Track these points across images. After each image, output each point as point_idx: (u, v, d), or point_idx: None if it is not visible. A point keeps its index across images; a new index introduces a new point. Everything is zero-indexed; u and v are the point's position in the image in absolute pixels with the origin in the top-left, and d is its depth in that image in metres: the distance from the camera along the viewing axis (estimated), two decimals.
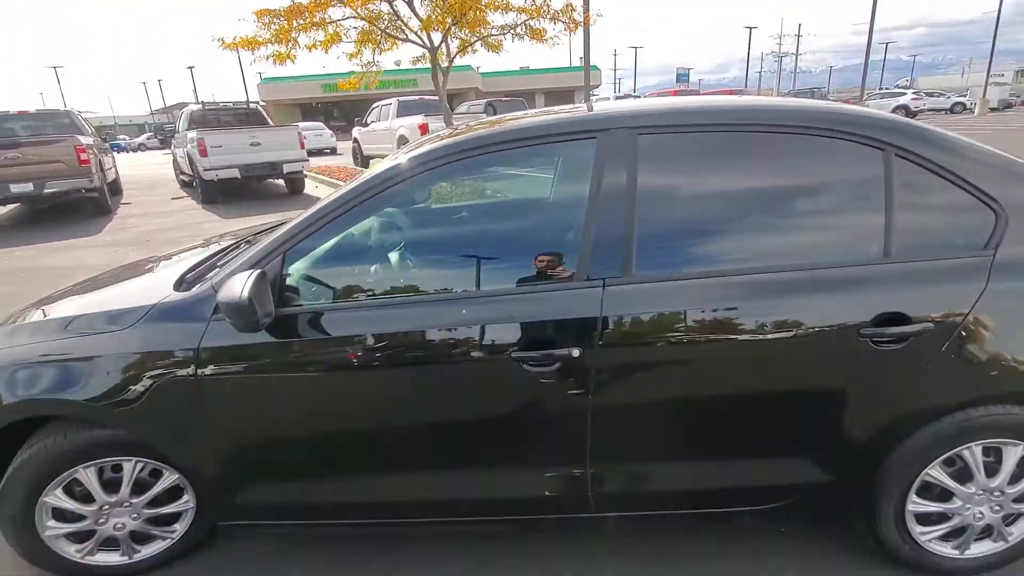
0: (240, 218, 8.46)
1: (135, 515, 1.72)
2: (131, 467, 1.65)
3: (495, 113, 15.92)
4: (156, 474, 1.69)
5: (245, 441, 1.60)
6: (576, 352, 1.41)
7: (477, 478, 1.60)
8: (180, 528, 1.79)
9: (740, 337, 1.44)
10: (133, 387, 1.52)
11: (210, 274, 1.85)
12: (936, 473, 1.52)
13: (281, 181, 11.34)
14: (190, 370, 1.51)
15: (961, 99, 30.41)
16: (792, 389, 1.48)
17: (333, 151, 23.54)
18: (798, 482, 1.55)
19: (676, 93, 19.63)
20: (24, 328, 1.74)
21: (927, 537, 1.60)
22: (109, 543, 1.74)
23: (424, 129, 12.33)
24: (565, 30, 8.20)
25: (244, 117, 11.27)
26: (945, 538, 1.61)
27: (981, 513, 1.55)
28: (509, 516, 1.65)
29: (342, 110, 43.53)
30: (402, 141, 13.13)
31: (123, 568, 1.77)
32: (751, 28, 47.29)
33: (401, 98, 14.00)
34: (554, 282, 1.49)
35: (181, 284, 1.74)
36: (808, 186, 1.54)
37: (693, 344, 1.44)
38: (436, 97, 14.98)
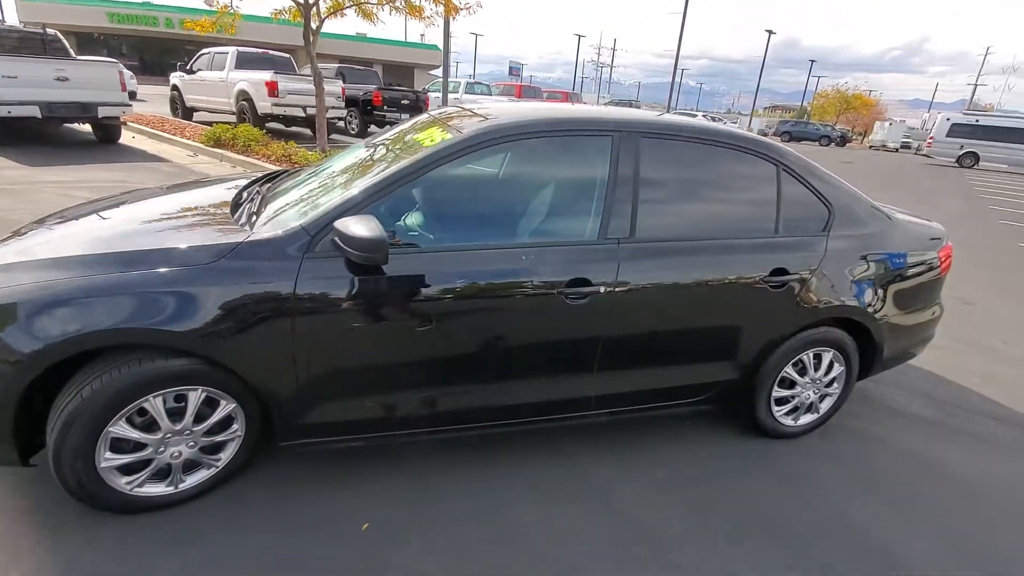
0: (49, 167, 7.06)
1: (192, 443, 1.80)
2: (196, 396, 1.74)
3: (345, 80, 15.25)
4: (212, 404, 1.80)
5: (326, 365, 1.80)
6: (602, 289, 1.96)
7: (520, 388, 2.05)
8: (225, 456, 1.90)
9: (696, 280, 2.13)
10: (229, 318, 1.64)
11: (246, 216, 1.98)
12: (789, 370, 2.43)
13: (88, 127, 9.56)
14: (286, 302, 1.69)
15: (732, 125, 37.84)
16: (722, 315, 2.24)
17: (133, 95, 19.80)
18: (718, 380, 2.33)
19: (520, 89, 20.86)
20: (76, 260, 1.66)
21: (780, 413, 2.52)
22: (158, 474, 1.79)
23: (273, 87, 11.42)
24: (445, 12, 8.42)
25: (38, 45, 9.17)
26: (787, 413, 2.55)
27: (812, 395, 2.52)
28: (539, 417, 2.14)
29: (133, 47, 36.49)
30: (242, 96, 11.95)
31: (167, 498, 1.82)
32: (580, 36, 51.56)
33: (240, 48, 12.64)
34: (587, 240, 2.01)
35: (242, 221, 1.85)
36: (737, 183, 2.30)
37: (668, 285, 2.10)
38: (281, 53, 13.90)
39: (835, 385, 2.56)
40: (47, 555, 1.64)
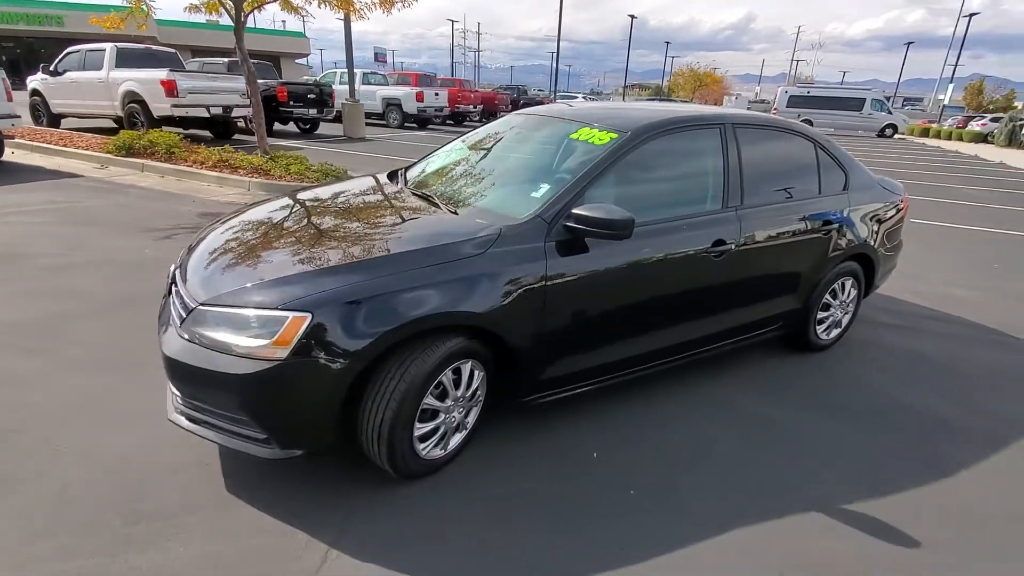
0: None
1: (461, 410, 2.12)
2: (467, 368, 2.07)
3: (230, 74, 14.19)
4: (471, 375, 2.12)
5: (560, 326, 2.19)
6: (733, 247, 2.57)
7: (681, 329, 2.59)
8: (471, 420, 2.23)
9: (783, 233, 2.82)
10: (504, 296, 1.99)
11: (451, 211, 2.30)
12: (828, 297, 3.24)
13: None
14: (539, 277, 2.06)
15: None
16: (797, 258, 2.96)
17: None
18: (791, 309, 3.06)
19: (416, 78, 20.70)
20: (376, 262, 1.91)
21: (821, 330, 3.33)
22: (437, 440, 2.09)
23: (171, 86, 10.47)
24: (380, 6, 8.34)
25: None
26: (825, 330, 3.37)
27: (840, 313, 3.36)
28: (688, 352, 2.70)
29: None
30: (130, 98, 10.84)
31: (440, 460, 2.12)
32: (453, 21, 51.42)
33: (120, 44, 11.33)
34: (717, 209, 2.60)
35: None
36: (793, 157, 3.02)
37: (768, 238, 2.75)
38: (165, 48, 12.63)
39: (852, 305, 3.44)
40: (367, 526, 1.91)
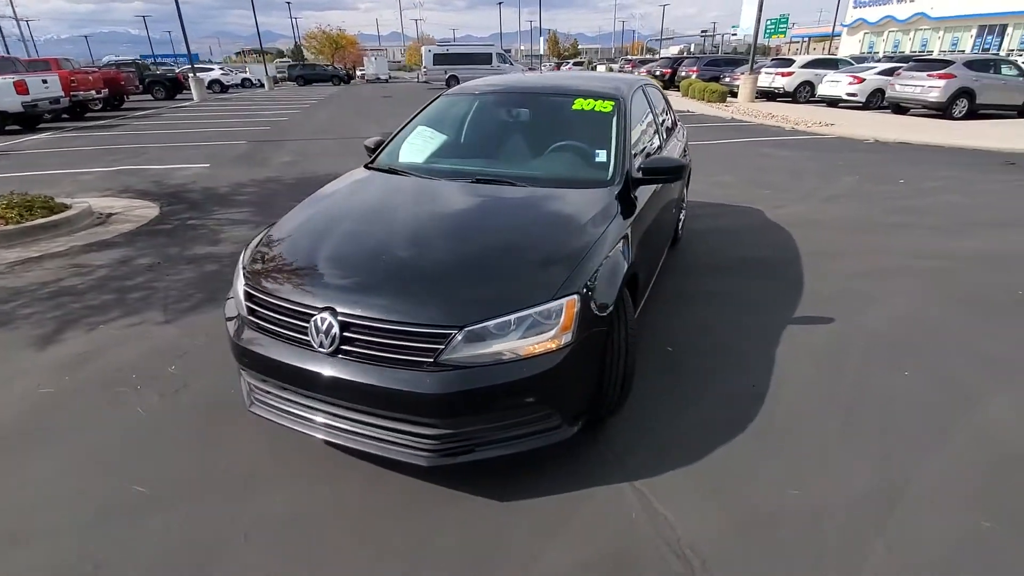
0: None
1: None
2: None
3: None
4: None
5: (642, 250, 2.62)
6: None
7: (663, 241, 3.43)
8: None
9: (683, 149, 3.91)
10: (634, 238, 2.44)
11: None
12: (682, 204, 4.57)
13: None
14: (636, 217, 2.55)
15: (247, 75, 36.54)
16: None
17: None
18: (675, 218, 4.23)
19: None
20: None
21: (679, 228, 4.68)
22: None
23: None
24: None
25: None
26: (680, 228, 4.73)
27: (682, 216, 4.76)
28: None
29: None
30: None
31: None
32: None
33: None
34: (662, 144, 3.46)
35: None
36: (661, 101, 4.06)
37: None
38: None
39: (684, 207, 4.90)
40: (631, 458, 2.24)
